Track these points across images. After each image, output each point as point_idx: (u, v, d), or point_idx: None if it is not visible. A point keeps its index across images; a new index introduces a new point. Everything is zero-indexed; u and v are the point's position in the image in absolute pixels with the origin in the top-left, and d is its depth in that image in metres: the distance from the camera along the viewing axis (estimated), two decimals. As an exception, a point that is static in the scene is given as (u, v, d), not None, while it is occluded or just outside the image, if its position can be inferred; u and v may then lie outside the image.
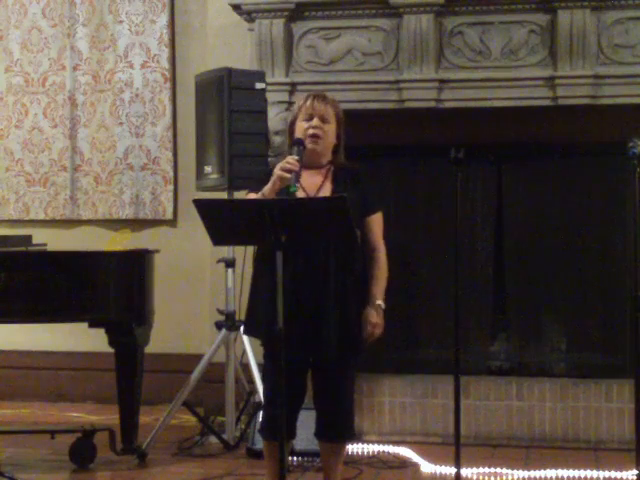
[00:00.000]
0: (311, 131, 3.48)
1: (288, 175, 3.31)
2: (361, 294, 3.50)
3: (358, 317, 3.47)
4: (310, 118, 3.50)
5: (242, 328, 3.64)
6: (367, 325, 3.48)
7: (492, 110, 5.09)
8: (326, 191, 3.49)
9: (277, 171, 3.34)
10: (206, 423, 5.05)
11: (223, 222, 3.29)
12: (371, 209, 3.55)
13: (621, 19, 4.95)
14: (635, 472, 3.72)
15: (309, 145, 3.48)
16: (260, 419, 3.66)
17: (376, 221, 3.56)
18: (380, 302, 3.52)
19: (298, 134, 3.52)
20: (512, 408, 5.08)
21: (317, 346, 3.42)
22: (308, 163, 3.48)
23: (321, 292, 3.41)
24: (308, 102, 3.53)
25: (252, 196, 3.47)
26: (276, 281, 3.18)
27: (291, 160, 3.33)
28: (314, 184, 3.50)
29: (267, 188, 3.37)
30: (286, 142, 3.73)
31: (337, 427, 3.57)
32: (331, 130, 3.53)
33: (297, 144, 3.44)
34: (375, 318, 3.49)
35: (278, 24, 5.14)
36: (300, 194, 3.43)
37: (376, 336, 3.52)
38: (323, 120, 3.50)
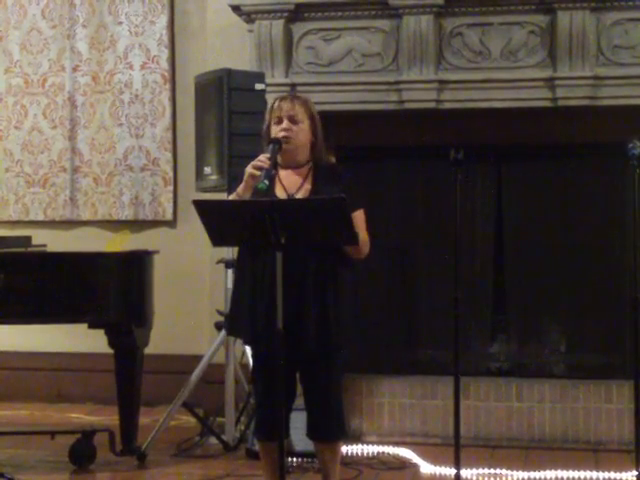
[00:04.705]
0: (281, 133, 3.48)
1: (258, 172, 3.35)
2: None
3: (337, 316, 3.43)
4: (280, 121, 3.51)
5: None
6: None
7: (492, 111, 5.09)
8: (305, 190, 3.49)
9: (248, 169, 3.39)
10: (206, 424, 5.05)
11: (222, 223, 3.30)
12: (350, 207, 3.47)
13: (620, 20, 4.96)
14: (635, 473, 3.72)
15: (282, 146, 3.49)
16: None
17: (356, 219, 3.46)
18: None
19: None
20: (512, 409, 5.08)
21: (297, 344, 3.39)
22: (287, 163, 3.52)
23: (300, 292, 3.39)
24: (276, 104, 3.55)
25: (232, 197, 3.50)
26: (255, 283, 3.31)
27: (262, 158, 3.38)
28: (294, 183, 3.52)
29: (240, 187, 3.43)
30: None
31: (326, 426, 3.56)
32: (303, 129, 3.51)
33: (273, 143, 3.46)
34: None
35: (278, 25, 5.15)
36: (281, 194, 3.47)
37: None
38: (292, 120, 3.49)
